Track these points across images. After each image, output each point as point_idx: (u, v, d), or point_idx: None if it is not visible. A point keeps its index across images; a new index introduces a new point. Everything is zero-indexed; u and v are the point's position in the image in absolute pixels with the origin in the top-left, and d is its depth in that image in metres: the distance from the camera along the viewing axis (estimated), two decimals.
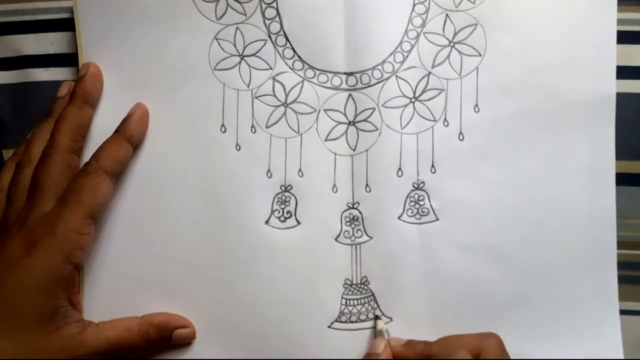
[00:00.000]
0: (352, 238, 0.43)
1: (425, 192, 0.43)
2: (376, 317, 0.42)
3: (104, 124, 0.43)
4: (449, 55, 0.43)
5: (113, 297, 0.43)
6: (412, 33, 0.43)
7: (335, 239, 0.43)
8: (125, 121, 0.42)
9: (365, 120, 0.43)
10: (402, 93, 0.43)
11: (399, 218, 0.43)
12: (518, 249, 0.43)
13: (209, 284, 0.43)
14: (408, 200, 0.43)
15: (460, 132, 0.43)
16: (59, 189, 0.40)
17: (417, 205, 0.43)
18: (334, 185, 0.43)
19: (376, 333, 0.42)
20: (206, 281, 0.43)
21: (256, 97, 0.43)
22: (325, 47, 0.42)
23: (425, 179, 0.43)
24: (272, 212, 0.43)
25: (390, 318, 0.43)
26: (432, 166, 0.43)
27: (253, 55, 0.43)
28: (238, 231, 0.43)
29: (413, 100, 0.43)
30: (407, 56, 0.43)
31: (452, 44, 0.43)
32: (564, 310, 0.43)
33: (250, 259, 0.43)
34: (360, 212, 0.43)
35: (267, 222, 0.43)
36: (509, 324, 0.43)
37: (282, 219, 0.43)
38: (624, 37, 0.43)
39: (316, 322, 0.43)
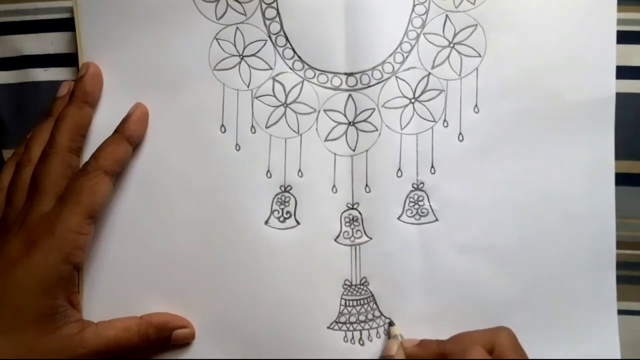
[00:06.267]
0: (352, 239, 0.43)
1: (425, 192, 0.43)
2: (390, 324, 0.42)
3: (103, 123, 0.43)
4: (448, 56, 0.43)
5: (112, 297, 0.43)
6: (412, 34, 0.43)
7: (335, 240, 0.43)
8: (124, 121, 0.42)
9: (365, 120, 0.43)
10: (402, 93, 0.43)
11: (398, 219, 0.43)
12: (517, 250, 0.43)
13: (208, 284, 0.43)
14: (407, 201, 0.43)
15: (460, 133, 0.43)
16: (58, 189, 0.40)
17: (416, 206, 0.43)
18: (334, 185, 0.43)
19: (390, 336, 0.42)
20: (205, 281, 0.43)
21: (256, 97, 0.43)
22: (325, 47, 0.42)
23: (424, 180, 0.43)
24: (272, 212, 0.43)
25: (390, 319, 0.43)
26: (432, 167, 0.43)
27: (253, 55, 0.43)
28: (237, 231, 0.43)
29: (413, 100, 0.43)
30: (407, 57, 0.43)
31: (452, 45, 0.43)
32: (563, 310, 0.43)
33: (250, 259, 0.43)
34: (359, 213, 0.43)
35: (266, 222, 0.43)
36: (507, 324, 0.42)
37: (282, 219, 0.43)
38: (624, 37, 0.43)
39: (315, 323, 0.43)
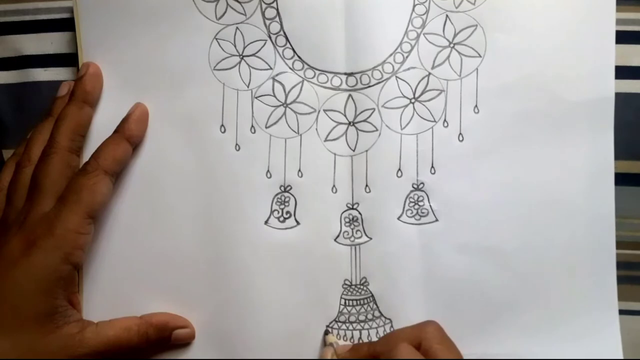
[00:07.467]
0: (352, 239, 0.43)
1: (425, 192, 0.43)
2: (325, 332, 0.43)
3: (103, 123, 0.43)
4: (449, 56, 0.43)
5: (112, 296, 0.42)
6: (412, 34, 0.43)
7: (335, 240, 0.43)
8: (124, 121, 0.42)
9: (365, 120, 0.43)
10: (402, 94, 0.43)
11: (398, 219, 0.43)
12: (517, 250, 0.43)
13: (208, 284, 0.43)
14: (408, 201, 0.43)
15: (460, 133, 0.43)
16: (58, 189, 0.40)
17: (416, 206, 0.43)
18: (334, 185, 0.43)
19: (325, 344, 0.42)
20: (205, 281, 0.43)
21: (256, 97, 0.43)
22: (325, 47, 0.42)
23: (424, 180, 0.43)
24: (272, 212, 0.43)
25: (390, 319, 0.43)
26: (432, 167, 0.43)
27: (253, 55, 0.43)
28: (237, 231, 0.43)
29: (413, 100, 0.43)
30: (407, 57, 0.43)
31: (452, 45, 0.43)
32: (563, 310, 0.43)
33: (250, 259, 0.43)
34: (359, 213, 0.43)
35: (266, 222, 0.43)
36: (508, 325, 0.43)
37: (282, 219, 0.43)
38: (623, 37, 0.43)
39: (315, 323, 0.43)
